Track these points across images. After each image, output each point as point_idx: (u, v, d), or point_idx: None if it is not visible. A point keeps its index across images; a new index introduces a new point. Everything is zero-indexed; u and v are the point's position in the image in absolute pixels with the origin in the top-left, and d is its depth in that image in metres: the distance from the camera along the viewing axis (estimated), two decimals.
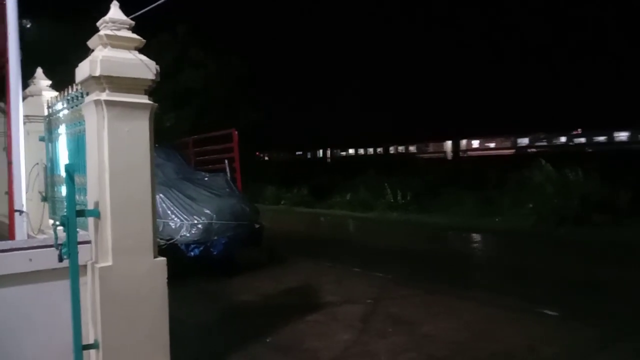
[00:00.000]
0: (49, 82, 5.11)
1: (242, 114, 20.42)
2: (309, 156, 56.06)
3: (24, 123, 4.24)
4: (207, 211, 7.37)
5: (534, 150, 43.51)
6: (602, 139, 40.95)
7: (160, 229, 6.95)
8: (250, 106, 21.71)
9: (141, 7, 4.24)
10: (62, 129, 4.22)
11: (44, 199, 4.67)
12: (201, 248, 7.16)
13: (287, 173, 24.47)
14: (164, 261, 3.32)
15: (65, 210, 2.94)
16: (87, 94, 3.37)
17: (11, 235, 3.93)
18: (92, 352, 3.13)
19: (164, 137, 12.64)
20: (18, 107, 3.90)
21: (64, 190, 4.01)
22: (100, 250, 3.13)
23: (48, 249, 3.01)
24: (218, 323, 5.44)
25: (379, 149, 55.78)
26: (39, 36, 15.46)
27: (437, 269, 8.07)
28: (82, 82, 3.32)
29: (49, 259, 2.96)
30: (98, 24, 3.26)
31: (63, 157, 4.19)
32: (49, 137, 4.62)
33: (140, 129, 3.24)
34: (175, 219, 7.28)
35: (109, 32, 3.19)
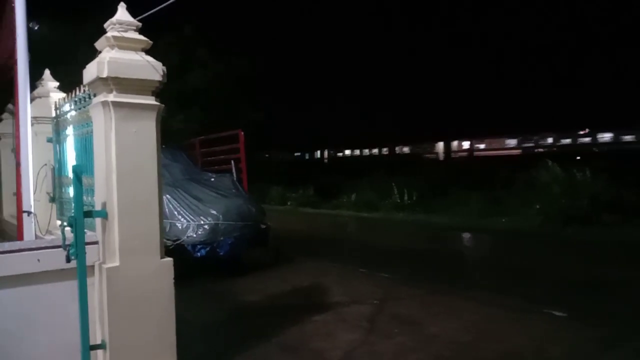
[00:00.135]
0: (57, 84, 5.14)
1: (246, 113, 20.44)
2: (307, 157, 55.99)
3: (32, 124, 4.26)
4: (214, 212, 7.39)
5: (540, 150, 43.33)
6: (608, 138, 40.69)
7: (167, 229, 6.98)
8: (252, 106, 21.73)
9: (148, 8, 4.25)
10: (69, 130, 4.24)
11: (52, 200, 4.70)
12: (208, 249, 7.17)
13: (286, 173, 24.47)
14: (171, 262, 3.34)
15: (72, 211, 2.96)
16: (95, 95, 3.39)
17: (19, 236, 3.95)
18: (100, 352, 3.15)
19: (173, 139, 12.71)
20: (26, 108, 3.92)
21: (71, 191, 4.03)
22: (107, 250, 3.15)
23: (56, 249, 3.03)
24: (225, 323, 5.45)
25: (384, 149, 55.72)
26: (47, 38, 15.55)
27: (443, 270, 8.05)
28: (90, 84, 3.34)
29: (56, 260, 2.97)
30: (105, 25, 3.28)
31: (71, 158, 4.21)
32: (57, 138, 4.64)
33: (147, 130, 3.26)
34: (182, 219, 7.30)
35: (116, 33, 3.21)
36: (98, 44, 3.32)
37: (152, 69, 3.25)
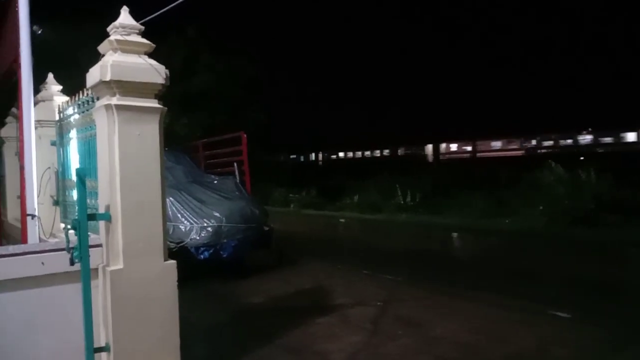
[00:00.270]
0: (60, 87, 5.17)
1: (250, 115, 20.46)
2: (302, 159, 55.91)
3: (36, 128, 4.29)
4: (217, 214, 7.40)
5: (543, 151, 43.20)
6: (610, 139, 40.52)
7: (171, 231, 6.99)
8: (258, 108, 21.76)
9: (151, 11, 4.26)
10: (73, 134, 4.26)
11: (56, 203, 4.72)
12: (211, 251, 7.18)
13: (287, 175, 24.49)
14: (174, 264, 3.34)
15: (76, 214, 2.97)
16: (98, 98, 3.40)
17: (24, 239, 3.96)
18: (104, 354, 3.15)
19: (178, 143, 12.74)
20: (30, 112, 3.94)
21: (75, 194, 4.06)
22: (111, 253, 3.16)
23: (60, 252, 3.03)
24: (228, 325, 5.46)
25: (385, 151, 55.67)
26: (50, 42, 15.61)
27: (447, 271, 8.03)
28: (93, 87, 3.35)
29: (60, 263, 2.98)
30: (108, 29, 3.29)
31: (74, 162, 4.22)
32: (60, 141, 4.66)
33: (150, 133, 3.27)
34: (185, 221, 7.31)
35: (119, 37, 3.22)
36: (101, 48, 3.34)
37: (155, 72, 3.26)
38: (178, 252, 6.61)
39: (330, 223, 15.91)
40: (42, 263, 3.03)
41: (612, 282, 6.81)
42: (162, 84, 3.29)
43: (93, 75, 3.25)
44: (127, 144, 3.17)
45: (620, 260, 8.52)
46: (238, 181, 8.72)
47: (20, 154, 4.05)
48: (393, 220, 15.05)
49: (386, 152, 54.78)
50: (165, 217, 3.40)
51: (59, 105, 4.74)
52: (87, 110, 3.75)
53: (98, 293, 3.15)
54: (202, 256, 7.14)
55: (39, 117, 4.67)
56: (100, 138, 3.31)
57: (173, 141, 14.30)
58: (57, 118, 4.76)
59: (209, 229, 7.26)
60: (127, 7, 3.34)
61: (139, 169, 3.22)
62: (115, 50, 3.22)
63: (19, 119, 4.11)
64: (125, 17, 3.30)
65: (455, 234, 12.17)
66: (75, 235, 2.90)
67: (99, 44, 3.35)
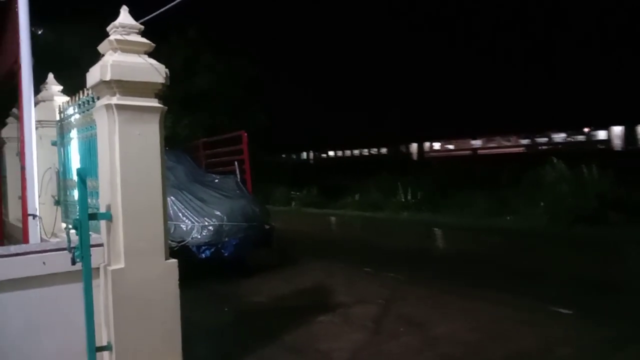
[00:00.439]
0: (61, 87, 5.17)
1: (253, 116, 20.47)
2: (294, 157, 55.89)
3: (37, 128, 4.30)
4: (218, 213, 7.40)
5: (544, 147, 43.16)
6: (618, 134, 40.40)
7: (172, 231, 7.00)
8: (260, 108, 21.76)
9: (151, 11, 4.26)
10: (73, 134, 4.27)
11: (57, 203, 4.72)
12: (212, 250, 7.18)
13: (285, 175, 24.47)
14: (176, 263, 3.35)
15: (77, 213, 2.97)
16: (98, 98, 3.40)
17: (25, 239, 3.97)
18: (106, 353, 3.16)
19: (179, 143, 12.74)
20: (30, 112, 3.95)
21: (76, 194, 4.07)
22: (112, 252, 3.16)
23: (61, 252, 3.04)
24: (230, 324, 5.46)
25: (383, 150, 55.75)
26: (50, 42, 15.62)
27: (448, 269, 8.03)
28: (93, 87, 3.36)
29: (62, 262, 2.99)
30: (108, 28, 3.29)
31: (75, 161, 4.23)
32: (61, 141, 4.67)
33: (151, 132, 3.27)
34: (187, 221, 7.31)
35: (118, 36, 3.22)
36: (101, 47, 3.34)
37: (155, 71, 3.26)
38: (179, 251, 6.61)
39: (332, 221, 15.91)
40: (44, 263, 3.03)
41: (616, 281, 6.79)
42: (162, 84, 3.29)
43: (93, 75, 3.26)
44: (128, 144, 3.17)
45: (623, 258, 8.51)
46: (239, 180, 8.73)
47: (21, 155, 4.05)
48: (394, 219, 15.05)
49: (383, 150, 54.89)
50: (167, 216, 3.40)
51: (59, 106, 4.75)
52: (88, 110, 3.75)
53: (99, 292, 3.16)
54: (203, 255, 7.14)
55: (39, 117, 4.68)
56: (100, 138, 3.31)
57: (175, 142, 14.34)
58: (57, 118, 4.76)
59: (210, 227, 7.26)
60: (127, 7, 3.34)
61: (139, 169, 3.22)
62: (115, 50, 3.23)
63: (19, 119, 4.12)
64: (125, 16, 3.30)
65: (456, 232, 12.16)
66: (77, 234, 2.90)
67: (99, 44, 3.36)
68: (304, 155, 59.11)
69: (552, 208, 11.83)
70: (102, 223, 3.26)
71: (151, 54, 3.35)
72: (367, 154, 57.69)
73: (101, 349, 3.09)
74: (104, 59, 3.21)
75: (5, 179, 6.47)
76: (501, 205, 13.61)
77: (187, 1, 4.26)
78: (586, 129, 42.78)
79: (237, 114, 19.81)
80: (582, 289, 6.43)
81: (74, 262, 2.89)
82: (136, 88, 3.21)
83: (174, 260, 3.35)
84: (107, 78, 3.09)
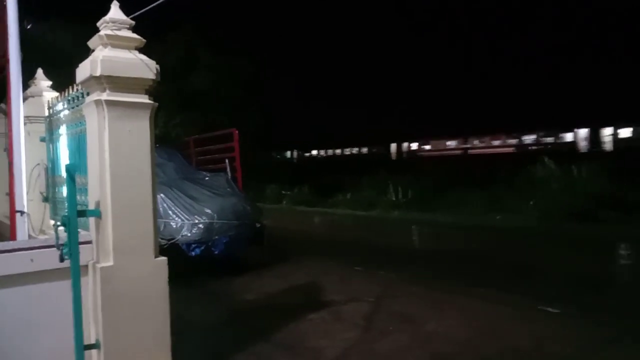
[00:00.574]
0: (50, 83, 5.12)
1: (250, 115, 20.42)
2: (277, 156, 55.88)
3: (25, 124, 4.24)
4: (208, 210, 7.37)
5: (534, 147, 43.48)
6: (607, 135, 40.78)
7: (162, 228, 6.95)
8: (257, 108, 21.73)
9: (142, 7, 4.23)
10: (63, 130, 4.22)
11: (45, 200, 4.68)
12: (202, 247, 7.15)
13: (276, 172, 24.44)
14: (165, 261, 3.33)
15: (66, 210, 2.94)
16: (88, 94, 3.37)
17: (12, 236, 3.93)
18: (94, 352, 3.13)
19: (171, 141, 12.63)
20: (19, 107, 3.90)
21: (65, 191, 4.02)
22: (101, 250, 3.13)
23: (49, 249, 3.01)
24: (222, 322, 5.44)
25: (374, 149, 55.89)
26: (39, 37, 15.47)
27: (439, 267, 8.06)
28: (83, 82, 3.32)
29: (50, 259, 2.96)
30: (98, 24, 3.26)
31: (64, 158, 4.19)
32: (50, 137, 4.62)
33: (141, 129, 3.24)
34: (177, 218, 7.27)
35: (109, 32, 3.19)
36: (91, 43, 3.30)
37: (145, 67, 3.23)
38: (169, 248, 6.58)
39: (323, 220, 15.92)
40: (31, 260, 3.00)
41: (606, 278, 6.86)
42: (152, 80, 3.26)
43: (83, 71, 3.22)
44: (118, 140, 3.14)
45: (615, 256, 8.58)
46: (230, 178, 8.69)
47: (9, 150, 4.01)
48: (385, 217, 15.08)
49: (375, 149, 54.99)
50: (156, 214, 3.37)
51: (48, 101, 4.70)
52: (77, 106, 3.71)
53: (88, 290, 3.13)
54: (193, 253, 7.11)
55: (28, 112, 4.62)
56: (90, 134, 3.28)
57: (167, 141, 14.25)
58: (46, 114, 4.72)
59: (201, 225, 7.22)
60: (118, 2, 3.31)
61: (129, 165, 3.19)
62: (105, 45, 3.19)
63: (7, 114, 4.07)
64: (115, 11, 3.26)
65: (447, 231, 12.20)
66: (65, 231, 2.87)
67: (89, 40, 3.32)
68: (289, 154, 58.91)
69: (543, 206, 11.93)
70: (91, 220, 3.23)
71: (141, 50, 3.32)
72: (357, 152, 57.82)
73: (89, 347, 3.06)
74: (94, 54, 3.17)
75: None
76: (492, 203, 13.71)
77: None
78: (577, 129, 43.14)
79: (236, 114, 19.74)
80: (573, 286, 6.49)
81: (62, 260, 2.86)
82: (126, 84, 3.18)
83: (164, 258, 3.33)
84: (97, 73, 3.06)
